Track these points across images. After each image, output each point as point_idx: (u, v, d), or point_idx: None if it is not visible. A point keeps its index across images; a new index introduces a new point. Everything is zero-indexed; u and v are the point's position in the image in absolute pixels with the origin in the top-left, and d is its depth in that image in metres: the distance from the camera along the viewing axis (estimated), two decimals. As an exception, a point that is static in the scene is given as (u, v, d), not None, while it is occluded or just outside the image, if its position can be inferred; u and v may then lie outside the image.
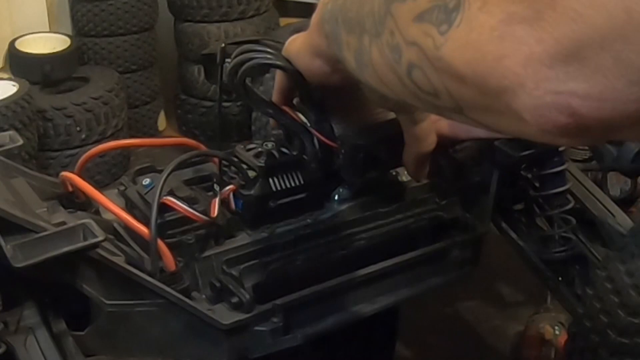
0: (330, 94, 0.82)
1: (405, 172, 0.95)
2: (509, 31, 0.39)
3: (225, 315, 0.83)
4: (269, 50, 0.79)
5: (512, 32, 0.39)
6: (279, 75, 0.83)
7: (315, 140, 0.87)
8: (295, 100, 0.86)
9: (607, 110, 0.37)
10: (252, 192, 0.87)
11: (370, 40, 0.53)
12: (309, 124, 0.86)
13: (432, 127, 0.82)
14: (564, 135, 0.40)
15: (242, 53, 0.80)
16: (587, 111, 0.38)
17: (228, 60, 0.90)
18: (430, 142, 0.82)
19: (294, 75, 0.79)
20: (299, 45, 0.75)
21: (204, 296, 0.85)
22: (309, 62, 0.74)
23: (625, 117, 0.38)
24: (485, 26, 0.40)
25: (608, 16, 0.35)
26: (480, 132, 0.89)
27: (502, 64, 0.39)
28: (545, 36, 0.37)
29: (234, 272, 0.85)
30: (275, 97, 0.86)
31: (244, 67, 0.80)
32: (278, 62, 0.79)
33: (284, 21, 2.98)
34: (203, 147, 0.98)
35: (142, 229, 0.81)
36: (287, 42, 0.78)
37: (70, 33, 2.84)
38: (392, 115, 0.84)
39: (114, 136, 2.59)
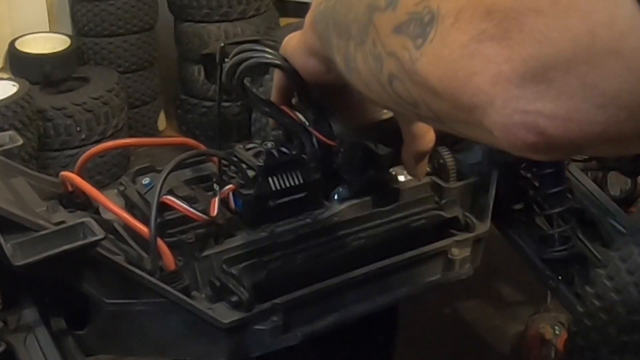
0: (328, 92, 0.82)
1: (405, 171, 0.95)
2: (479, 49, 0.39)
3: (224, 314, 0.83)
4: (267, 49, 0.79)
5: (482, 49, 0.39)
6: (277, 74, 0.83)
7: (314, 140, 0.87)
8: (293, 100, 0.86)
9: (574, 131, 0.38)
10: (251, 191, 0.87)
11: (356, 47, 0.53)
12: (307, 124, 0.86)
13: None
14: (533, 152, 0.40)
15: (240, 53, 0.80)
16: (554, 131, 0.38)
17: (228, 60, 0.90)
18: (429, 140, 0.82)
19: (292, 74, 0.79)
20: (294, 44, 0.76)
21: (203, 295, 0.85)
22: (304, 61, 0.74)
23: (592, 138, 0.38)
24: (457, 43, 0.40)
25: (572, 40, 0.36)
26: None
27: (472, 81, 0.40)
28: (513, 55, 0.37)
29: (234, 271, 0.85)
30: (273, 96, 0.86)
31: (241, 67, 0.80)
32: (276, 61, 0.79)
33: (284, 21, 2.98)
34: (203, 147, 0.98)
35: (142, 228, 0.81)
36: (284, 41, 0.78)
37: (70, 33, 2.84)
38: (390, 113, 0.84)
39: (114, 136, 2.59)
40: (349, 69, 0.57)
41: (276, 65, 0.79)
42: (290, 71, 0.78)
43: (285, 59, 0.78)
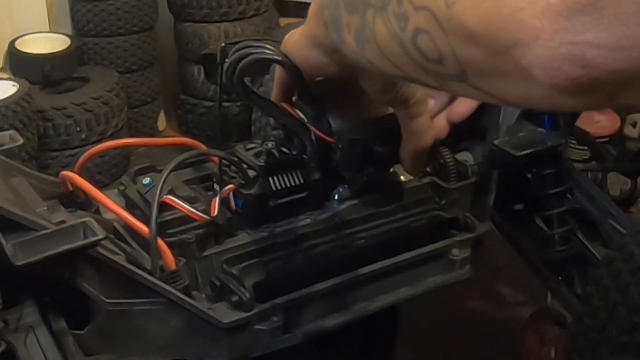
0: (328, 88, 0.82)
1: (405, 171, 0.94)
2: None
3: (225, 314, 0.83)
4: (266, 45, 0.79)
5: None
6: (278, 70, 0.82)
7: (313, 136, 0.86)
8: (294, 98, 0.86)
9: (622, 61, 0.37)
10: (252, 191, 0.87)
11: (375, 13, 0.54)
12: (306, 120, 0.86)
13: (430, 122, 0.82)
14: (572, 92, 0.40)
15: (239, 49, 0.80)
16: (602, 61, 0.38)
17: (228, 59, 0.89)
18: (428, 138, 0.82)
19: (292, 70, 0.78)
20: (296, 37, 0.75)
21: (204, 295, 0.85)
22: (306, 53, 0.74)
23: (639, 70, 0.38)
24: None
25: None
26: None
27: (517, 16, 0.40)
28: None
29: (234, 271, 0.85)
30: (274, 93, 0.85)
31: (241, 64, 0.79)
32: (275, 57, 0.78)
33: (284, 21, 2.98)
34: (203, 147, 0.98)
35: (143, 228, 0.81)
36: (285, 37, 0.78)
37: (70, 33, 2.84)
38: (389, 110, 0.84)
39: (114, 136, 2.59)
40: (362, 42, 0.57)
41: (275, 61, 0.78)
42: (290, 66, 0.78)
43: (285, 55, 0.78)
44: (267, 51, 0.78)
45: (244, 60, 0.78)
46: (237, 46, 0.80)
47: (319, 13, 0.68)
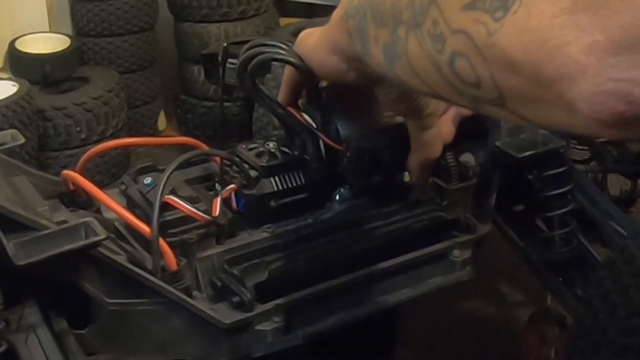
0: (340, 94, 0.81)
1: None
2: (571, 19, 0.39)
3: (226, 315, 0.83)
4: (280, 45, 0.78)
5: (575, 19, 0.39)
6: (288, 72, 0.81)
7: (321, 143, 0.86)
8: (300, 102, 0.86)
9: None
10: (253, 191, 0.87)
11: (408, 31, 0.53)
12: (314, 126, 0.86)
13: (440, 135, 0.82)
14: (614, 126, 0.40)
15: (253, 47, 0.79)
16: None
17: (230, 60, 0.89)
18: (437, 150, 0.82)
19: (305, 73, 0.77)
20: (315, 41, 0.74)
21: (205, 295, 0.85)
22: (325, 59, 0.73)
23: None
24: (546, 13, 0.40)
25: None
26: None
27: (562, 51, 0.40)
28: (610, 24, 0.37)
29: (235, 272, 0.85)
30: (282, 94, 0.84)
31: (254, 62, 0.78)
32: (290, 59, 0.77)
33: (284, 21, 2.98)
34: (205, 147, 0.97)
35: (144, 227, 0.81)
36: (300, 36, 0.77)
37: (70, 33, 2.84)
38: (399, 119, 0.83)
39: (113, 136, 2.60)
40: (391, 57, 0.56)
41: (290, 63, 0.77)
42: (303, 69, 0.77)
43: (299, 57, 0.77)
44: (281, 52, 0.77)
45: (258, 58, 0.78)
46: (249, 44, 0.79)
47: (342, 21, 0.66)
